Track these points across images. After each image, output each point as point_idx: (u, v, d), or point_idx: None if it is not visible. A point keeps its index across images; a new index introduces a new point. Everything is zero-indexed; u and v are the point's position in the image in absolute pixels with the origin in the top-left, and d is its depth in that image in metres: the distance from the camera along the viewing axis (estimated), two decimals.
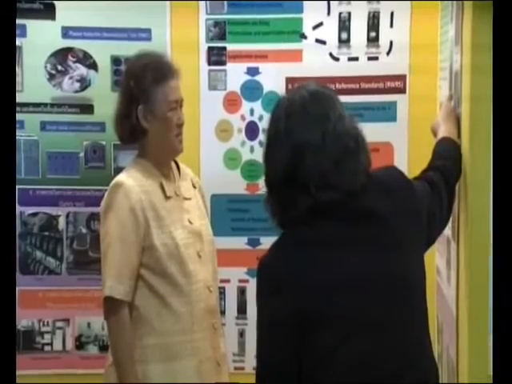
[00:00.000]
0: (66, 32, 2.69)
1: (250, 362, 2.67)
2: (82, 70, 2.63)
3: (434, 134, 2.04)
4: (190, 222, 2.20)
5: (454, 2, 2.20)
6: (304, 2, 2.66)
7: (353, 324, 1.56)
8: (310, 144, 1.59)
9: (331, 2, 2.65)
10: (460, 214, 2.05)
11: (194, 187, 2.32)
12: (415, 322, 1.63)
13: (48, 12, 2.69)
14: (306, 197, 1.58)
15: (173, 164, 2.26)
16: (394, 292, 1.60)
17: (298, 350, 1.56)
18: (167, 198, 2.18)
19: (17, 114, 2.63)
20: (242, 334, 2.76)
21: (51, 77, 2.64)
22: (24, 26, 2.66)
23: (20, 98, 2.61)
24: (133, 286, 2.12)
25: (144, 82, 2.14)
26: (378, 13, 2.65)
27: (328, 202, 1.58)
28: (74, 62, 2.64)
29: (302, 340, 1.56)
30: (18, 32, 2.63)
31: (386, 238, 1.63)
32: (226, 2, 2.69)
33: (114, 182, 2.16)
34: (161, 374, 2.12)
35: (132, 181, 2.13)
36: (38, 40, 2.67)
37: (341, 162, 1.60)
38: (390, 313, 1.60)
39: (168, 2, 2.69)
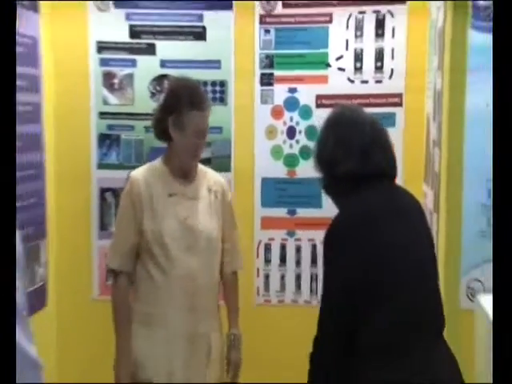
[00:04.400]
0: (164, 63, 2.71)
1: (289, 296, 2.75)
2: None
3: None
4: (186, 218, 1.98)
5: (437, 40, 2.26)
6: (329, 40, 2.63)
7: (407, 279, 1.45)
8: (375, 143, 1.54)
9: (349, 40, 2.64)
10: (440, 192, 2.11)
11: (210, 191, 2.07)
12: (436, 282, 1.56)
13: (151, 49, 2.72)
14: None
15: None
16: (429, 258, 1.55)
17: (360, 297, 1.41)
18: (169, 195, 1.98)
19: (128, 121, 2.71)
20: (282, 277, 2.75)
21: (152, 95, 2.68)
22: (135, 60, 2.71)
23: (131, 109, 2.71)
24: (129, 259, 1.97)
25: (182, 98, 1.94)
26: (383, 49, 2.64)
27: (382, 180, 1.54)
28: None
29: (365, 292, 1.42)
30: (130, 64, 2.72)
31: (422, 219, 1.59)
32: (273, 41, 2.67)
33: (129, 173, 2.03)
34: (140, 334, 1.96)
35: (140, 176, 1.99)
36: (144, 69, 2.71)
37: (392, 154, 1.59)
38: (428, 272, 1.52)
39: (231, 39, 2.68)
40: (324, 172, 1.59)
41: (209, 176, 2.10)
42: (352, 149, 1.52)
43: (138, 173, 2.01)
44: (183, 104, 1.94)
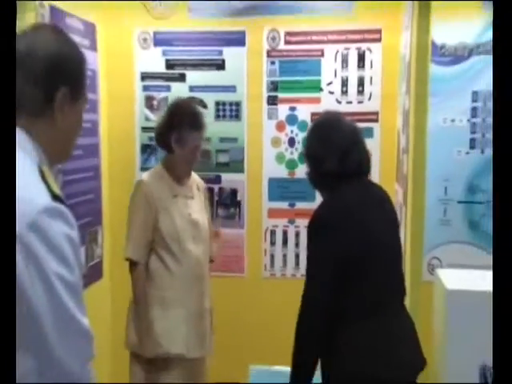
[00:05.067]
0: (192, 88, 2.82)
1: (290, 271, 2.82)
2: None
3: None
4: (190, 214, 2.02)
5: (405, 71, 2.29)
6: (321, 70, 2.71)
7: (383, 257, 1.46)
8: (353, 145, 1.52)
9: (337, 70, 2.72)
10: (407, 190, 2.12)
11: (198, 190, 2.12)
12: (401, 260, 1.56)
13: (182, 78, 2.81)
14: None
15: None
16: (398, 238, 1.60)
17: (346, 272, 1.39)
18: (174, 196, 2.00)
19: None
20: (284, 256, 2.81)
21: None
22: (169, 86, 2.82)
23: None
24: (146, 251, 1.97)
25: (184, 120, 1.96)
26: (364, 77, 2.72)
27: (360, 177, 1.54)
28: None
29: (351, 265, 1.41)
30: (165, 89, 2.80)
31: (391, 207, 1.60)
32: (277, 70, 2.75)
33: (138, 180, 2.03)
34: (159, 316, 1.97)
35: (149, 181, 1.99)
36: (176, 93, 2.75)
37: (367, 155, 1.57)
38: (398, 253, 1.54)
39: (245, 69, 2.75)
40: (310, 168, 1.58)
41: (195, 178, 2.14)
42: (334, 149, 1.49)
43: (148, 178, 1.99)
44: (185, 125, 1.96)
